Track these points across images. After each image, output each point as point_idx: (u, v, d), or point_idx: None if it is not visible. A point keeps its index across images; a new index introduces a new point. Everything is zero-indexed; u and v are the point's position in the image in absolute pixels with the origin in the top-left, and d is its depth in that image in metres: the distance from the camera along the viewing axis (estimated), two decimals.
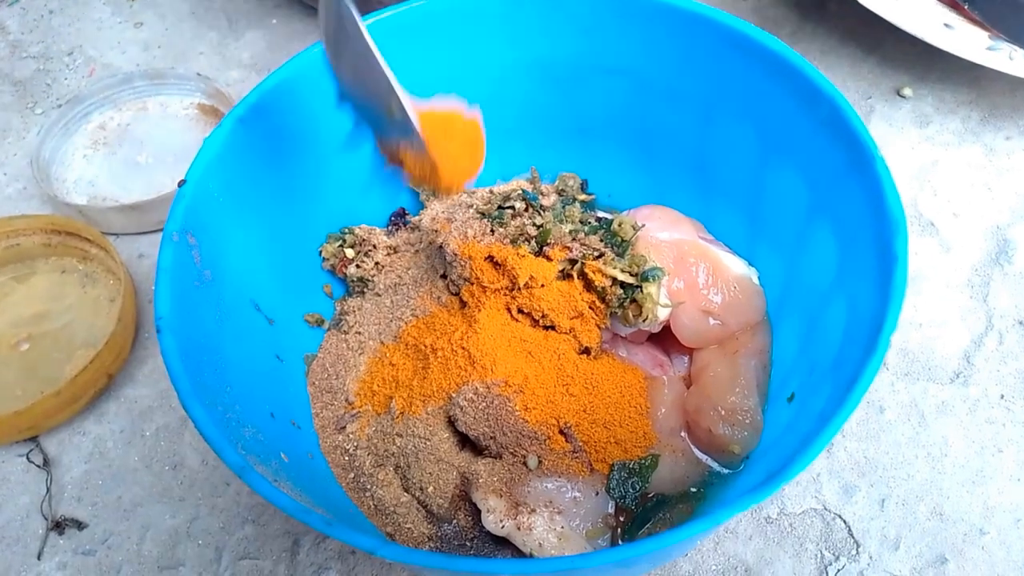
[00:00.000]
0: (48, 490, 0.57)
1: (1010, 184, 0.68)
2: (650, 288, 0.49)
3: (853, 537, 0.53)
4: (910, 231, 0.65)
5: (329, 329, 0.56)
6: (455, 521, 0.49)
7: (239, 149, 0.48)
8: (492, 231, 0.53)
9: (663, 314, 0.50)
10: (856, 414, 0.58)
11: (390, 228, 0.59)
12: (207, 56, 0.82)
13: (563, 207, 0.56)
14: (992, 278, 0.63)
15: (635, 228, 0.52)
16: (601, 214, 0.60)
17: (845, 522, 0.54)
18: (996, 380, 0.59)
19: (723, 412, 0.49)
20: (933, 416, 0.58)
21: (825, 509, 0.54)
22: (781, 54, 0.48)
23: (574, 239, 0.52)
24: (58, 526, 0.55)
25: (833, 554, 0.53)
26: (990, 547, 0.53)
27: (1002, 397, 0.58)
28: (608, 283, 0.50)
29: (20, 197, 0.72)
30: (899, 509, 0.54)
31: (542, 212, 0.55)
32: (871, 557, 0.53)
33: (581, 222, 0.54)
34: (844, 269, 0.46)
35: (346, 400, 0.53)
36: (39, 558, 0.55)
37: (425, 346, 0.51)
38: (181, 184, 0.44)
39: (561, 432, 0.48)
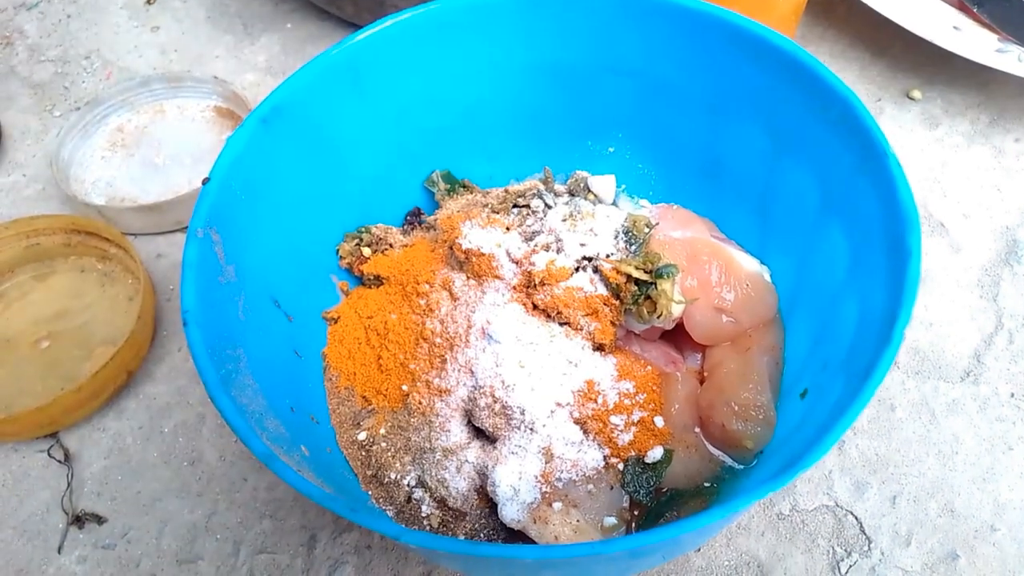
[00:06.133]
0: (69, 485, 0.58)
1: (1019, 185, 0.69)
2: (664, 285, 0.50)
3: (865, 533, 0.54)
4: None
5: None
6: (470, 514, 0.50)
7: (260, 149, 0.49)
8: (507, 229, 0.54)
9: (677, 311, 0.51)
10: (867, 412, 0.58)
11: (405, 227, 0.60)
12: (223, 60, 0.83)
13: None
14: (1002, 278, 0.64)
15: (648, 226, 0.53)
16: None
17: (857, 518, 0.54)
18: (1006, 379, 0.59)
19: (736, 408, 0.49)
20: (944, 414, 0.58)
21: (837, 506, 0.55)
22: (792, 54, 0.49)
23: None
24: (78, 520, 0.56)
25: (845, 550, 0.53)
26: (1001, 543, 0.53)
27: (1012, 395, 0.59)
28: (623, 280, 0.50)
29: (40, 198, 0.73)
30: (910, 506, 0.55)
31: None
32: (883, 553, 0.53)
33: None
34: (856, 265, 0.46)
35: (362, 396, 0.54)
36: (59, 552, 0.55)
37: (441, 342, 0.52)
38: (205, 182, 0.45)
39: (576, 427, 0.49)
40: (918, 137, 0.73)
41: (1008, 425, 0.57)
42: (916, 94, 0.75)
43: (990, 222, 0.67)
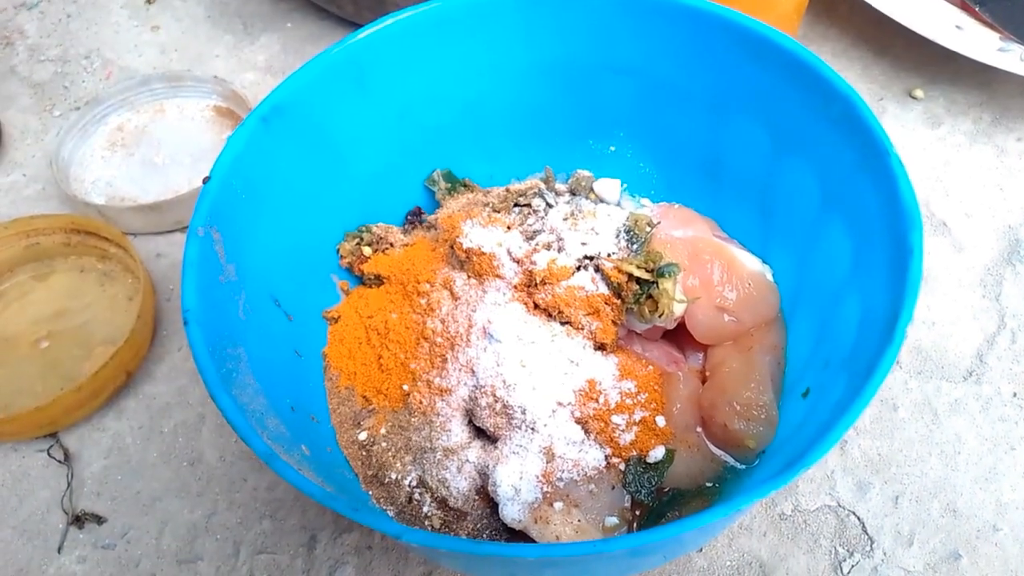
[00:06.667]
0: (68, 485, 0.57)
1: (1022, 184, 0.69)
2: (666, 284, 0.50)
3: (867, 533, 0.54)
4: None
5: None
6: (471, 515, 0.50)
7: (261, 147, 0.49)
8: (508, 228, 0.54)
9: (679, 310, 0.50)
10: (869, 412, 0.58)
11: (406, 226, 0.60)
12: (223, 59, 0.83)
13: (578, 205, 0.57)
14: (1004, 277, 0.64)
15: (650, 225, 0.53)
16: None
17: (859, 518, 0.54)
18: (1009, 378, 0.59)
19: (738, 407, 0.49)
20: (946, 414, 0.58)
21: (839, 506, 0.55)
22: (794, 52, 0.48)
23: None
24: (78, 520, 0.56)
25: (847, 550, 0.53)
26: (1003, 543, 0.53)
27: (1014, 395, 0.58)
28: (624, 279, 0.50)
29: (39, 197, 0.73)
30: (913, 506, 0.54)
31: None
32: (885, 553, 0.53)
33: None
34: (858, 264, 0.46)
35: (363, 396, 0.53)
36: (59, 552, 0.55)
37: (442, 341, 0.51)
38: (206, 181, 0.45)
39: (577, 427, 0.49)
40: (920, 136, 0.73)
41: (1011, 425, 0.57)
42: (918, 93, 0.75)
43: (992, 221, 0.67)
